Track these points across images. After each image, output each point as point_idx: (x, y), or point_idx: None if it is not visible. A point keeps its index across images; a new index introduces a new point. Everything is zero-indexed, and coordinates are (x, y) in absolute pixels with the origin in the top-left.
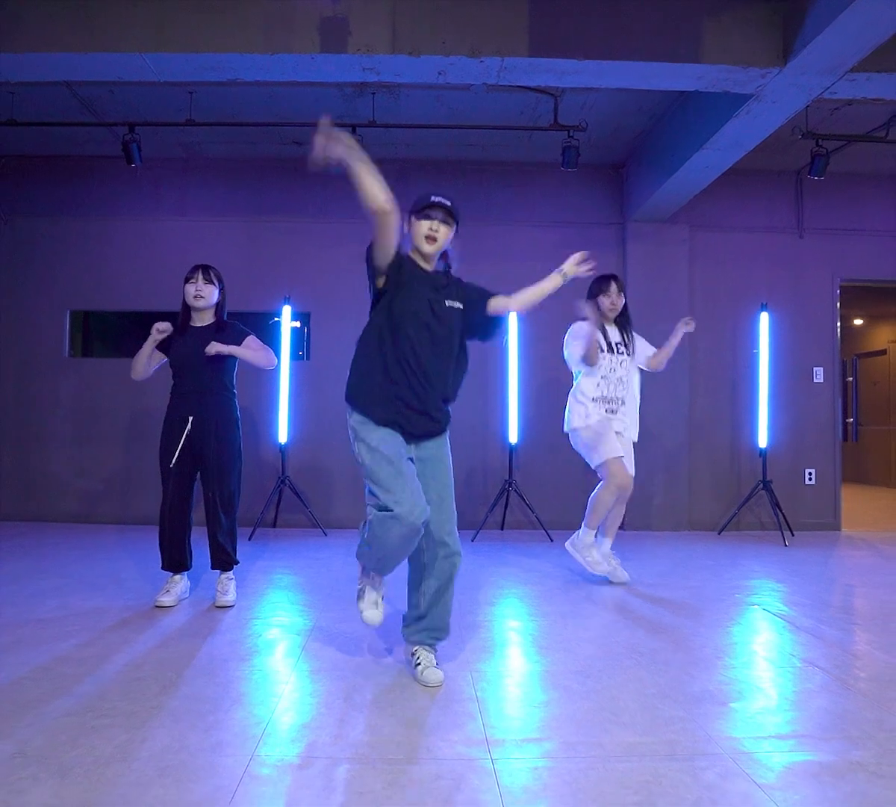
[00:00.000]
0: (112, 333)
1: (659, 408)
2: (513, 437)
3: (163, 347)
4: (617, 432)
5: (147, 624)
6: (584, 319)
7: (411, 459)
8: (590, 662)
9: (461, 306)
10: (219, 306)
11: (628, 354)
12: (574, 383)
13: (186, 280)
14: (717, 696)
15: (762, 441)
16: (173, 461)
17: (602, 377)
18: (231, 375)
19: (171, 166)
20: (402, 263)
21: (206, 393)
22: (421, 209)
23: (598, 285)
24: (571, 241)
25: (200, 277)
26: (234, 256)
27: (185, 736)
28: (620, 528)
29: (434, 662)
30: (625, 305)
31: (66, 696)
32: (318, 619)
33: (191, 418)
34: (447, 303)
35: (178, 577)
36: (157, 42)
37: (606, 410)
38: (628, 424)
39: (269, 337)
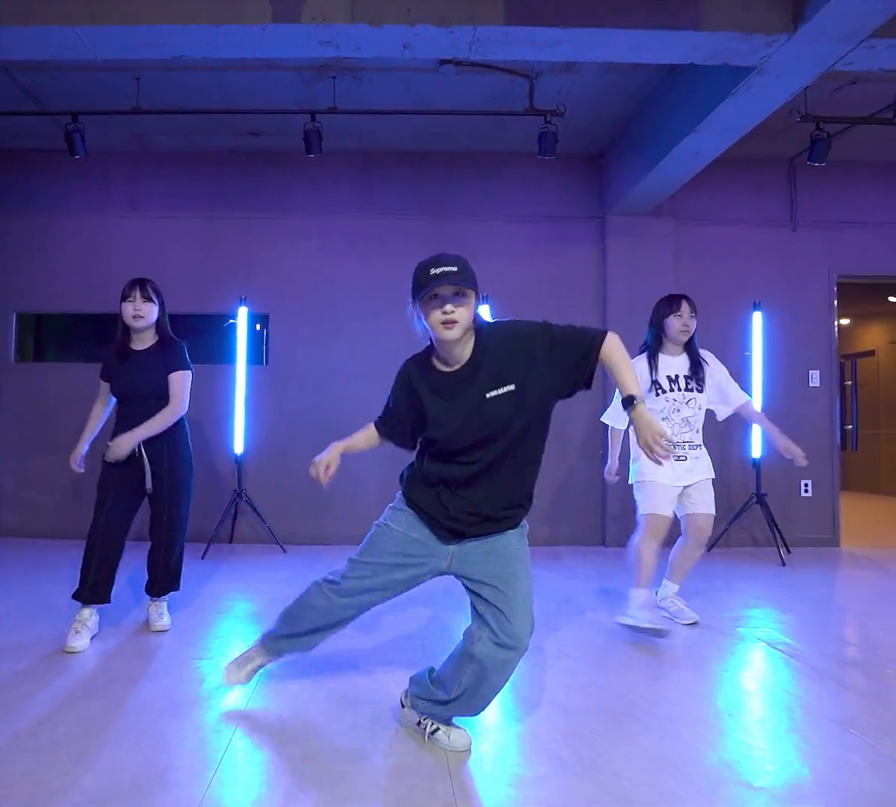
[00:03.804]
0: (66, 337)
1: None
2: None
3: (104, 375)
4: (687, 486)
5: (68, 662)
6: (643, 349)
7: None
8: (582, 721)
9: (513, 387)
10: (159, 324)
11: (699, 390)
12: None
13: (123, 298)
14: (739, 772)
15: (756, 451)
16: (113, 477)
17: (663, 419)
18: None
19: (121, 160)
20: (413, 385)
21: None
22: (423, 292)
23: (666, 304)
24: (547, 236)
25: (138, 294)
26: (187, 254)
27: None
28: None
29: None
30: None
31: None
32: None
33: (141, 446)
34: (488, 394)
35: (88, 611)
36: (90, 14)
37: (676, 459)
38: (703, 467)
39: (224, 340)
